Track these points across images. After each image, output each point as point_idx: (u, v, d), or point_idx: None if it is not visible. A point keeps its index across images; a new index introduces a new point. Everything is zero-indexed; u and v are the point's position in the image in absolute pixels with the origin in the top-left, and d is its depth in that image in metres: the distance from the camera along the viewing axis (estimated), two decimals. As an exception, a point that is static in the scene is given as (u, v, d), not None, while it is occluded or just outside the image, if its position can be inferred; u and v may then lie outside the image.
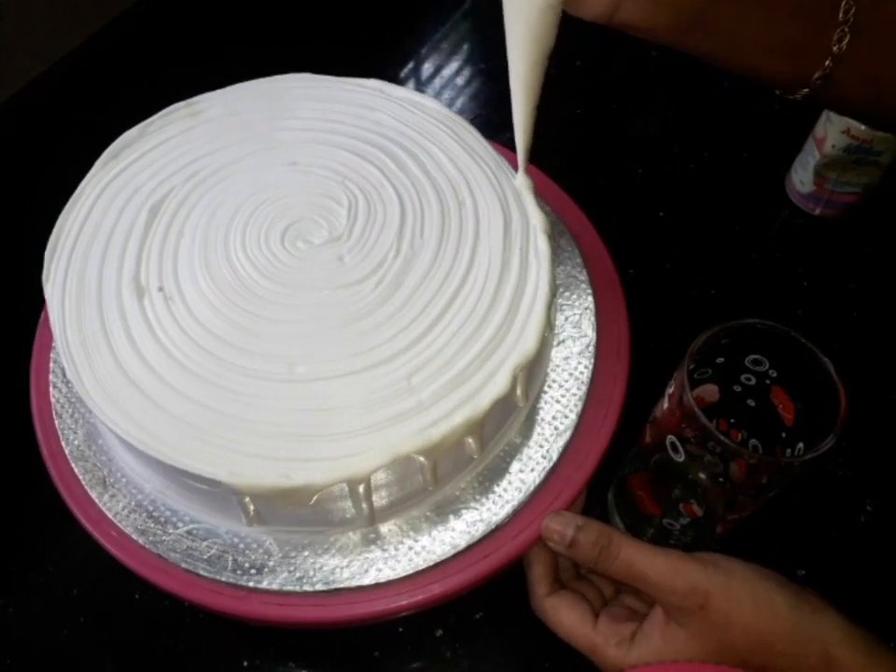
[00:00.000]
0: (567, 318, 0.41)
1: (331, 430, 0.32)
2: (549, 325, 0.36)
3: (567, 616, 0.35)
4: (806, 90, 0.33)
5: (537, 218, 0.37)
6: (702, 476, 0.35)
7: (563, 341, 0.40)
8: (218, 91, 0.43)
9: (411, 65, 0.71)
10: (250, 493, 0.31)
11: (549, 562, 0.36)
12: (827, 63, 0.31)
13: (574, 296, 0.42)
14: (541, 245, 0.36)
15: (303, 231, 0.37)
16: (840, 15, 0.30)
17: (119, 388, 0.33)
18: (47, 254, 0.37)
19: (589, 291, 0.42)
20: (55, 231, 0.38)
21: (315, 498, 0.31)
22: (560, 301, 0.42)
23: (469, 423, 0.32)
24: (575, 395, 0.39)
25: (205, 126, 0.42)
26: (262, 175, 0.39)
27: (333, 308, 0.35)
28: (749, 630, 0.31)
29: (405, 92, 0.44)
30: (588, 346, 0.40)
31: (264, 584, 0.33)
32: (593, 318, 0.41)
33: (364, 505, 0.33)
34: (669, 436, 0.35)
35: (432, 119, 0.42)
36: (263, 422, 0.32)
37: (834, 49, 0.31)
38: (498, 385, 0.33)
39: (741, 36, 0.32)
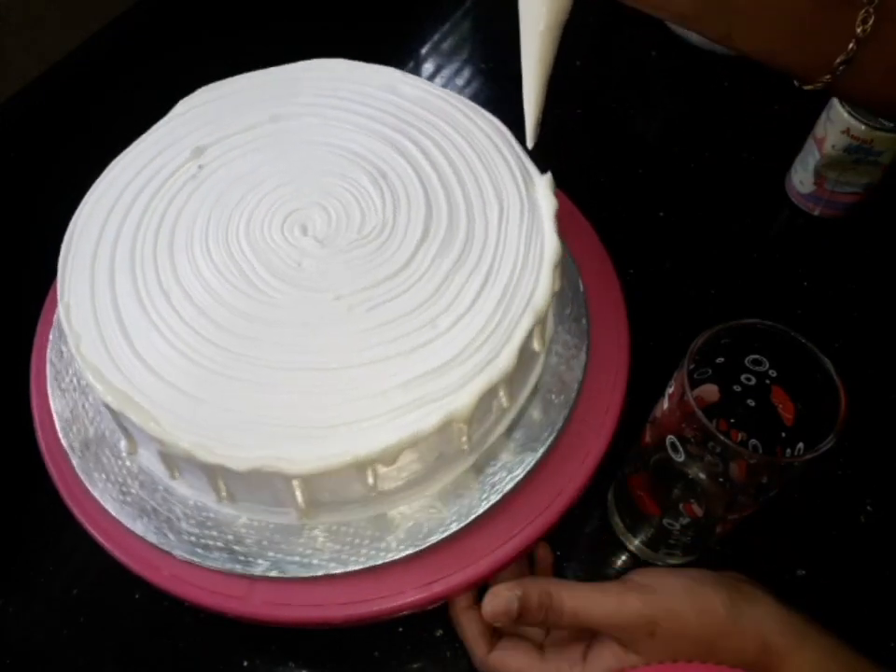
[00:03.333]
0: (565, 318, 0.41)
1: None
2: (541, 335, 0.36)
3: (513, 663, 0.35)
4: (828, 76, 0.31)
5: (548, 218, 0.37)
6: (702, 476, 0.35)
7: (562, 340, 0.40)
8: (239, 77, 0.44)
9: (411, 65, 0.71)
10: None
11: (479, 620, 0.36)
12: (850, 45, 0.30)
13: (572, 296, 0.42)
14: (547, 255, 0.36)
15: (318, 221, 0.37)
16: None
17: (125, 371, 0.33)
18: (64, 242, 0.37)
19: (586, 291, 0.42)
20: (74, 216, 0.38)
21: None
22: (559, 300, 0.42)
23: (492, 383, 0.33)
24: (574, 395, 0.38)
25: (224, 110, 0.42)
26: (282, 157, 0.39)
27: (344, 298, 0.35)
28: (696, 639, 0.32)
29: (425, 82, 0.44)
30: (587, 346, 0.40)
31: (262, 572, 0.33)
32: (590, 318, 0.41)
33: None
34: (669, 436, 0.35)
35: (463, 114, 0.42)
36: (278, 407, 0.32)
37: (858, 30, 0.30)
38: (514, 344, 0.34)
39: (759, 19, 0.31)
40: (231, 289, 0.35)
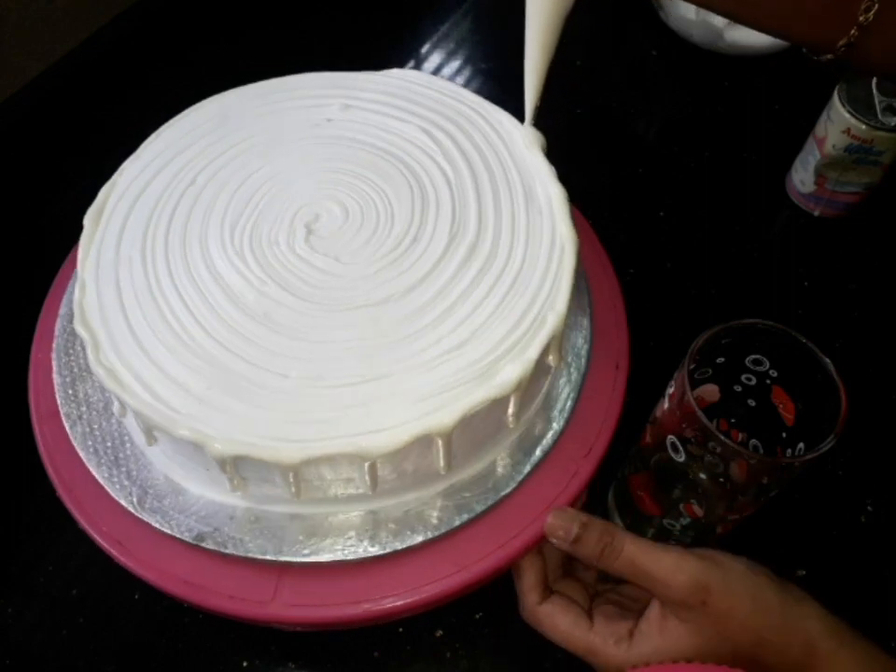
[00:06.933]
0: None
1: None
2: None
3: (562, 621, 0.35)
4: (830, 55, 0.33)
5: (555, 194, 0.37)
6: (702, 476, 0.35)
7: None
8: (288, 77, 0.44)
9: (411, 64, 0.71)
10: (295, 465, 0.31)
11: (540, 569, 0.36)
12: (853, 31, 0.31)
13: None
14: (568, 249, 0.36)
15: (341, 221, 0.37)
16: None
17: (137, 363, 0.33)
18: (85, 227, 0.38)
19: (587, 292, 0.42)
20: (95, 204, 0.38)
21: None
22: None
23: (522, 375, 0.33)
24: (575, 394, 0.38)
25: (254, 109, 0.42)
26: (310, 154, 0.40)
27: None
28: (745, 623, 0.31)
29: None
30: (587, 345, 0.40)
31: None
32: (591, 318, 0.41)
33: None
34: (670, 436, 0.35)
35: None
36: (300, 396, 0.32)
37: (861, 18, 0.31)
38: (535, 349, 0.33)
39: (762, 3, 0.32)
40: (256, 294, 0.35)
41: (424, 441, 0.32)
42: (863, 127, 0.51)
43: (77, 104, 0.65)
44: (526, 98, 0.38)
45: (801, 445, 0.35)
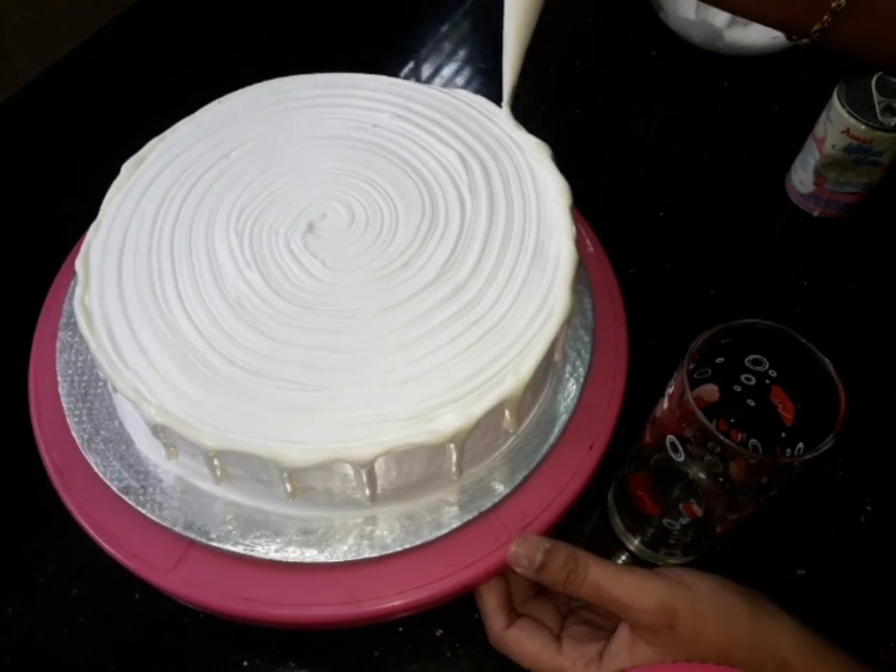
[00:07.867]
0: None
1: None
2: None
3: (529, 645, 0.34)
4: (806, 39, 0.34)
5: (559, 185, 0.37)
6: (702, 476, 0.35)
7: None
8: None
9: (411, 65, 0.71)
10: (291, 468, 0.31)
11: (502, 592, 0.36)
12: (825, 17, 0.32)
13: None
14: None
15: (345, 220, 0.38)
16: None
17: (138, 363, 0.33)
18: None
19: (588, 292, 0.42)
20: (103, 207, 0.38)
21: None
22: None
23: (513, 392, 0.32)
24: (574, 394, 0.38)
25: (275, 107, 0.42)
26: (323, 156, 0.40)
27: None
28: (713, 643, 0.31)
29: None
30: (587, 346, 0.40)
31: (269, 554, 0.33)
32: (591, 318, 0.41)
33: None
34: (669, 436, 0.35)
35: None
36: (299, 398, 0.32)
37: (833, 4, 0.32)
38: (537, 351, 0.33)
39: None
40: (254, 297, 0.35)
41: (342, 466, 0.31)
42: (863, 127, 0.51)
43: (77, 104, 0.65)
44: (504, 81, 0.38)
45: (800, 445, 0.35)
